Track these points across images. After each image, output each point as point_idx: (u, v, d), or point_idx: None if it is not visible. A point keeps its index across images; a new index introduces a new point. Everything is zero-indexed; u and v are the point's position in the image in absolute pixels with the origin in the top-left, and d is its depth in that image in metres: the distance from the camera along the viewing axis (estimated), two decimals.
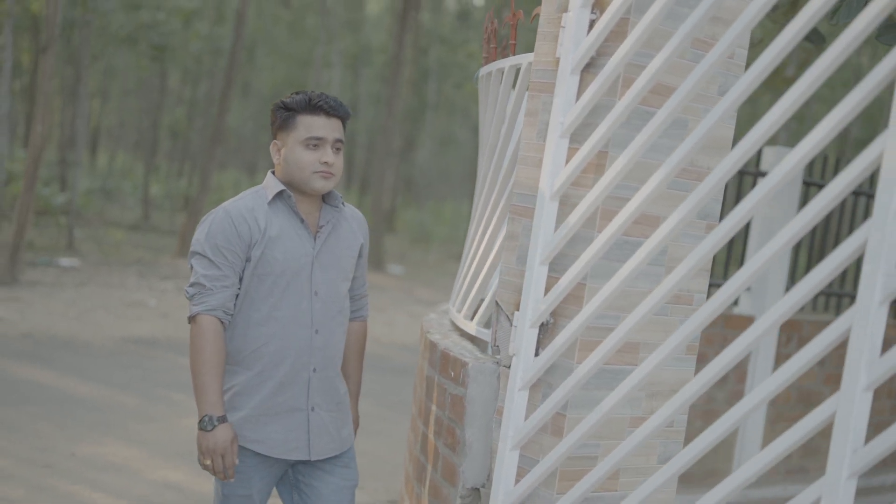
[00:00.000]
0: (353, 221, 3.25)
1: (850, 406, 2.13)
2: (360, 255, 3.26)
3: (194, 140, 29.94)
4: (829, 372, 6.22)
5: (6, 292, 11.32)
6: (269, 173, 3.15)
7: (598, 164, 2.87)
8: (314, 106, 3.05)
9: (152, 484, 5.70)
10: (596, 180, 2.87)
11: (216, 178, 29.04)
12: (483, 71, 3.91)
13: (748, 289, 6.01)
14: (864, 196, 6.61)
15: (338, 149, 3.08)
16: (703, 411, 5.61)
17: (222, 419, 2.97)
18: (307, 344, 3.07)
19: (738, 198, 5.83)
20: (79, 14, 16.07)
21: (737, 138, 14.64)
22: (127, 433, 6.62)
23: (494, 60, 3.78)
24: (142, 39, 17.67)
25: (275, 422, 3.06)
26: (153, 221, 22.46)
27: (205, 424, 2.96)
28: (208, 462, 2.99)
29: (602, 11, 2.90)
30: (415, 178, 36.25)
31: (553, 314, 2.96)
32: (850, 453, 2.12)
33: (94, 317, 10.62)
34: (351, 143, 35.72)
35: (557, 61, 2.98)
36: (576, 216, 2.82)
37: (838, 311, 6.85)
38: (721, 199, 3.14)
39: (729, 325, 5.61)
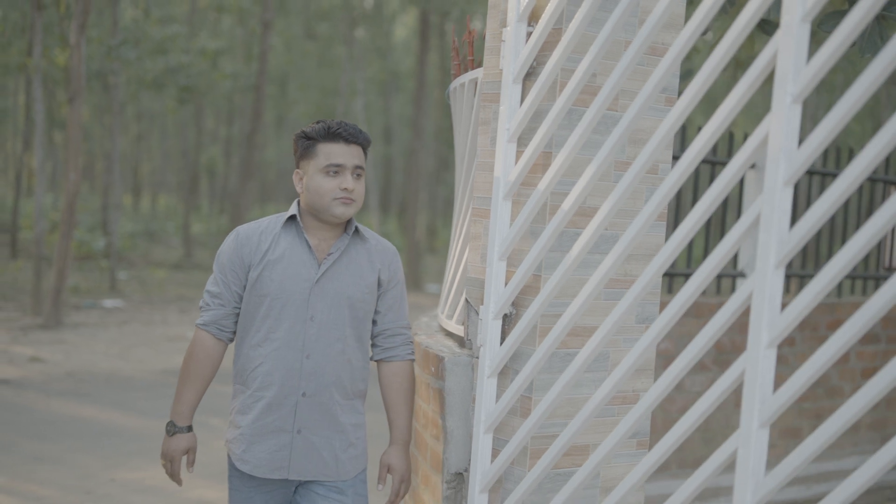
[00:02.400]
0: (375, 253, 3.22)
1: (755, 363, 2.34)
2: (384, 289, 3.23)
3: (232, 177, 30.48)
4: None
5: (51, 335, 11.73)
6: (295, 201, 3.23)
7: (543, 164, 3.11)
8: (333, 134, 3.11)
9: (188, 502, 5.98)
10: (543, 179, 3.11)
11: (259, 212, 29.57)
12: (452, 86, 4.17)
13: (744, 275, 6.19)
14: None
15: (358, 175, 3.12)
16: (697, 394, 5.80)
17: (182, 429, 3.18)
18: (297, 367, 3.10)
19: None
20: (106, 64, 16.56)
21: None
22: None
23: (460, 75, 4.03)
24: (169, 82, 18.13)
25: (261, 442, 3.13)
26: (195, 259, 22.92)
27: (168, 429, 3.19)
28: (163, 462, 3.22)
29: (537, 24, 3.14)
30: (452, 198, 36.56)
31: (515, 305, 3.19)
32: (759, 405, 2.34)
33: (135, 353, 10.98)
34: (387, 167, 36.16)
35: (502, 72, 3.23)
36: (525, 213, 3.05)
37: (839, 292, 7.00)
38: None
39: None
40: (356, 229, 3.20)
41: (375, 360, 3.30)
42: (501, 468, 3.12)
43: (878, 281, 6.91)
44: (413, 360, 3.31)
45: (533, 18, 3.16)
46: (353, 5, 26.36)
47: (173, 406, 3.20)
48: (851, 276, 6.78)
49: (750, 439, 2.35)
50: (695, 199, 5.91)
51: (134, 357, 10.75)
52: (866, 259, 6.98)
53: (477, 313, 3.31)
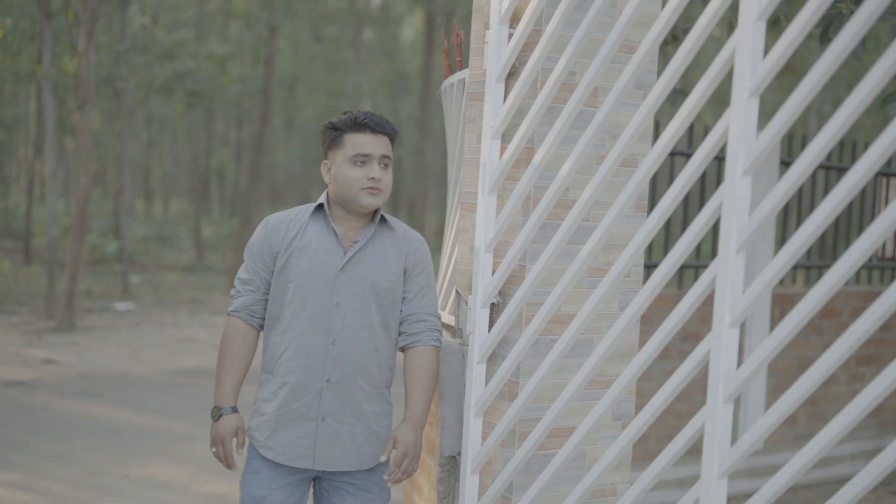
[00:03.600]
0: (402, 241, 3.25)
1: (719, 341, 2.49)
2: (409, 275, 3.25)
3: (242, 181, 30.70)
4: (828, 341, 6.51)
5: (64, 338, 11.92)
6: (324, 191, 3.28)
7: (526, 159, 3.26)
8: (360, 124, 3.14)
9: (199, 496, 6.14)
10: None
11: (269, 215, 29.75)
12: (443, 86, 4.32)
13: None
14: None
15: (385, 164, 3.16)
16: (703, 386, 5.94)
17: (227, 410, 3.19)
18: (322, 353, 3.13)
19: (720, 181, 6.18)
20: (115, 70, 16.77)
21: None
22: (175, 454, 7.09)
23: (449, 76, 4.18)
24: (177, 88, 18.34)
25: (286, 429, 3.15)
26: (207, 262, 23.14)
27: (213, 414, 3.21)
28: (214, 450, 3.20)
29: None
30: None
31: (502, 294, 3.34)
32: (724, 380, 2.48)
33: (146, 354, 11.17)
34: (397, 168, 36.36)
35: (486, 73, 3.38)
36: (509, 206, 3.21)
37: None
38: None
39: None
40: (383, 218, 3.24)
41: (400, 347, 3.29)
42: (491, 450, 3.27)
43: (871, 270, 7.04)
44: (438, 348, 3.29)
45: (514, 21, 3.31)
46: (359, 8, 26.54)
47: (215, 391, 3.23)
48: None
49: (716, 414, 2.50)
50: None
51: (145, 358, 10.93)
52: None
53: (466, 303, 3.46)
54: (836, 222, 6.96)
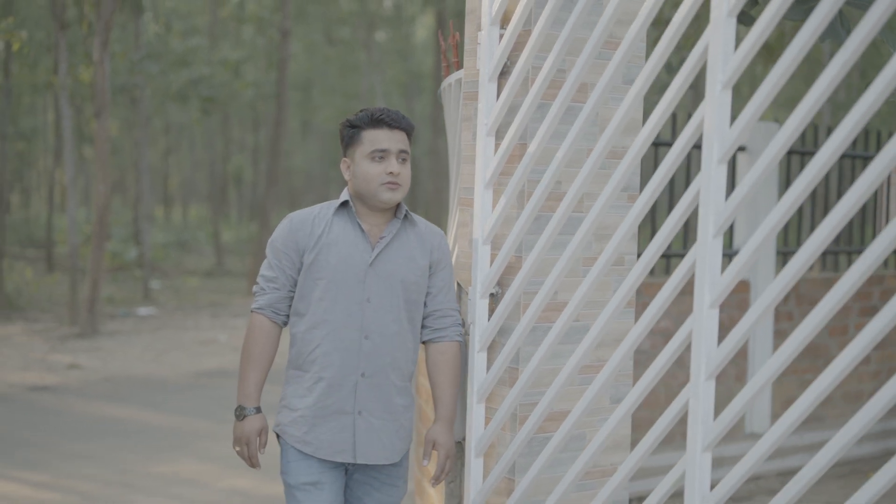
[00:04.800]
0: (425, 236, 3.33)
1: (700, 321, 2.64)
2: (434, 271, 3.33)
3: (260, 185, 30.92)
4: (834, 325, 6.62)
5: (88, 343, 12.15)
6: (345, 189, 3.32)
7: (519, 155, 3.40)
8: (377, 120, 3.21)
9: (221, 491, 6.32)
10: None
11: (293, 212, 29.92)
12: (442, 87, 4.47)
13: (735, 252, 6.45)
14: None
15: (403, 159, 3.22)
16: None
17: (252, 411, 3.22)
18: (356, 348, 3.18)
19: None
20: (130, 79, 17.01)
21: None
22: (198, 452, 7.27)
23: (448, 76, 4.33)
24: (192, 94, 18.56)
25: (323, 424, 3.19)
26: (227, 266, 23.36)
27: (237, 414, 3.23)
28: (237, 449, 3.25)
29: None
30: None
31: (500, 285, 3.49)
32: (706, 359, 2.63)
33: (169, 357, 11.38)
34: (413, 167, 36.49)
35: (479, 72, 3.53)
36: (504, 200, 3.35)
37: (836, 268, 7.24)
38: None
39: None
40: (406, 213, 3.30)
41: (424, 341, 3.37)
42: (493, 434, 3.42)
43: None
44: (461, 342, 3.40)
45: (504, 22, 3.46)
46: (371, 10, 26.69)
47: (239, 390, 3.25)
48: (834, 251, 7.03)
49: (699, 390, 2.64)
50: (672, 184, 6.16)
51: (167, 361, 11.14)
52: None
53: (466, 294, 3.61)
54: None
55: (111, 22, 12.57)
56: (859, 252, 7.15)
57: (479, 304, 3.48)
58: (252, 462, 3.26)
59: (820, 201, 11.16)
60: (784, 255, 6.68)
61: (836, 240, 7.18)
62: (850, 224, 7.25)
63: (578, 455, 3.52)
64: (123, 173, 32.13)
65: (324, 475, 3.22)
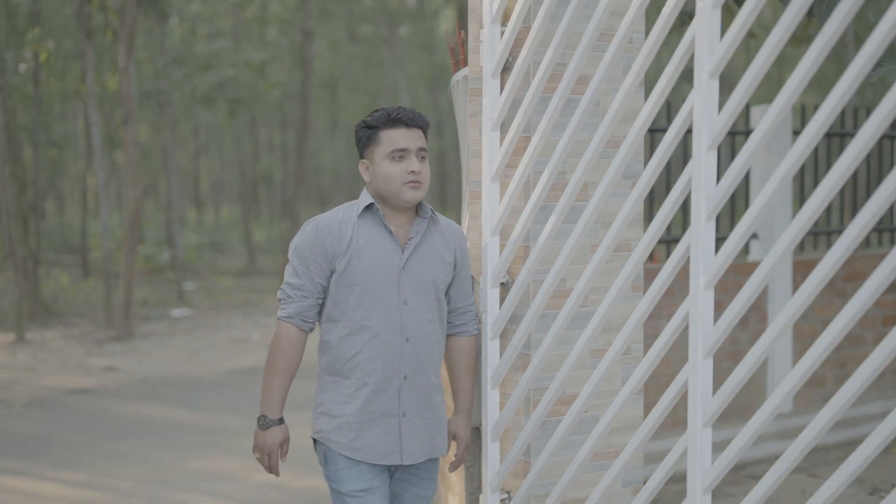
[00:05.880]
0: (447, 233, 3.35)
1: (696, 302, 2.74)
2: (456, 267, 3.36)
3: (289, 184, 31.14)
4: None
5: (124, 346, 12.38)
6: (363, 190, 3.30)
7: (523, 148, 3.51)
8: (394, 119, 3.20)
9: (256, 486, 6.48)
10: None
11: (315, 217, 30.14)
12: (452, 83, 4.58)
13: (755, 236, 6.52)
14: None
15: (422, 157, 3.21)
16: (729, 352, 6.13)
17: (276, 421, 3.22)
18: (398, 351, 3.20)
19: (732, 156, 6.37)
20: (155, 84, 17.25)
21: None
22: (233, 448, 7.43)
23: (456, 72, 4.44)
24: (218, 97, 18.78)
25: (369, 429, 3.21)
26: (259, 266, 23.57)
27: (261, 423, 3.22)
28: (257, 456, 3.27)
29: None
30: None
31: (510, 274, 3.60)
32: (703, 338, 2.73)
33: (202, 356, 11.58)
34: (441, 161, 36.66)
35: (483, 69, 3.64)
36: (510, 192, 3.46)
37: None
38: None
39: (742, 272, 6.13)
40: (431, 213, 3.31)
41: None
42: (508, 418, 3.53)
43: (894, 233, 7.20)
44: (478, 335, 3.50)
45: (505, 19, 3.57)
46: (392, 7, 26.79)
47: (264, 399, 3.23)
48: (827, 232, 7.04)
49: (697, 368, 2.74)
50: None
51: (201, 360, 11.34)
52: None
53: (478, 284, 3.73)
54: (855, 187, 7.12)
55: (135, 29, 12.78)
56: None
57: (491, 294, 3.59)
58: (274, 471, 3.29)
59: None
60: (821, 236, 6.72)
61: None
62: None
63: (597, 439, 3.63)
64: (155, 177, 32.48)
65: (374, 480, 3.25)
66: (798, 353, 6.46)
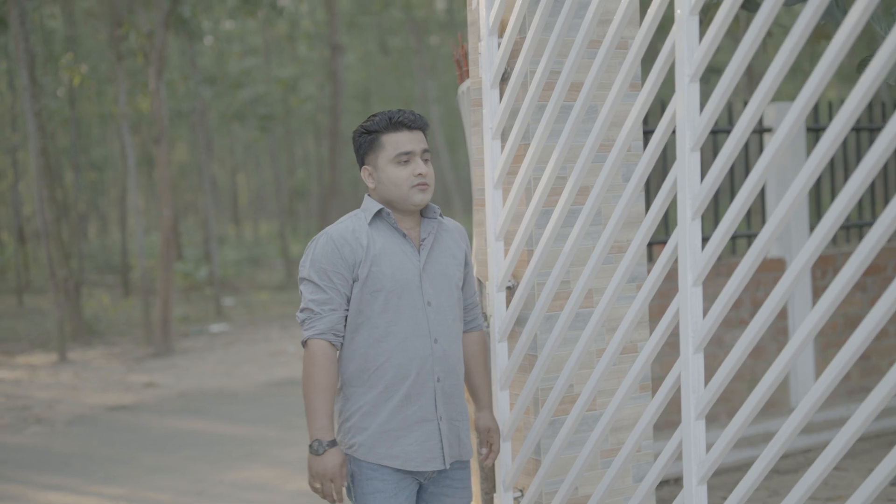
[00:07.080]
0: (454, 232, 3.35)
1: (685, 298, 2.83)
2: (465, 264, 3.37)
3: (326, 197, 31.37)
4: (874, 295, 6.69)
5: (163, 362, 12.59)
6: (366, 197, 3.27)
7: (522, 155, 3.62)
8: (396, 123, 3.17)
9: (290, 494, 6.61)
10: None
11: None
12: (458, 93, 4.69)
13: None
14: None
15: (426, 159, 3.19)
16: (753, 349, 6.19)
17: (331, 443, 3.07)
18: (429, 354, 3.16)
19: (747, 154, 6.43)
20: (186, 103, 17.53)
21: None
22: (268, 458, 7.58)
23: (462, 83, 4.55)
24: (249, 114, 19.03)
25: (408, 435, 3.14)
26: (296, 279, 23.79)
27: (315, 449, 3.06)
28: (318, 485, 3.09)
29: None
30: None
31: (515, 277, 3.70)
32: (692, 333, 2.82)
33: (240, 370, 11.76)
34: (466, 166, 36.75)
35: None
36: (511, 198, 3.57)
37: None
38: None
39: (760, 268, 6.18)
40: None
41: None
42: (518, 417, 3.64)
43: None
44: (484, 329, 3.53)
45: (501, 31, 3.68)
46: (420, 17, 26.94)
47: (312, 423, 3.09)
48: (845, 226, 7.05)
49: (688, 362, 2.83)
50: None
51: (239, 373, 11.52)
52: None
53: (485, 288, 3.84)
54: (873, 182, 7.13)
55: (164, 51, 13.02)
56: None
57: (497, 297, 3.69)
58: (336, 498, 3.12)
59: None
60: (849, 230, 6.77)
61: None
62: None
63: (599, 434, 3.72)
64: (194, 195, 32.86)
65: (399, 494, 3.17)
66: (819, 348, 6.50)
